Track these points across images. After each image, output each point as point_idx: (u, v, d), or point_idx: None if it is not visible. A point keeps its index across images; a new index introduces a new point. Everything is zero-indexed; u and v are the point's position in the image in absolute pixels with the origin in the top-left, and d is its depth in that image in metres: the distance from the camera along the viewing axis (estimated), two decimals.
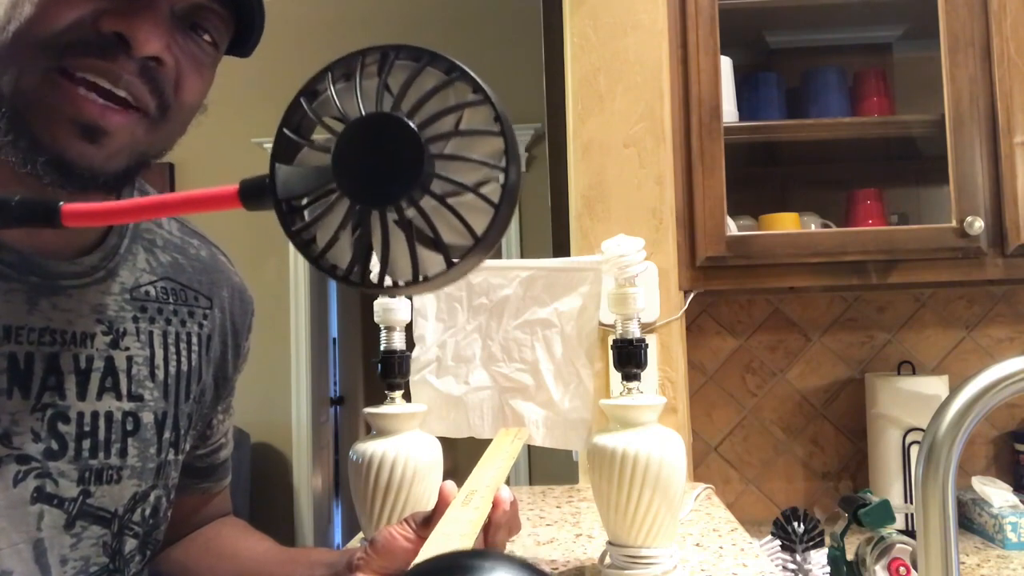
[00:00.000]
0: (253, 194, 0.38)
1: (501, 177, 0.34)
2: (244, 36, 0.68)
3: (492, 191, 0.35)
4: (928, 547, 0.64)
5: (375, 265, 0.37)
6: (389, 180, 0.35)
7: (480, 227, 0.35)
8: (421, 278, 0.36)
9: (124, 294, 0.70)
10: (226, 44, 0.67)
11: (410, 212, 0.35)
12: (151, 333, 0.72)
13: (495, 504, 0.71)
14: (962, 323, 1.66)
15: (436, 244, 0.35)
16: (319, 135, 0.38)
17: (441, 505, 0.73)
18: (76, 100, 0.57)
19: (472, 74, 0.36)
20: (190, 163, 3.71)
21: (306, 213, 0.38)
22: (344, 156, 0.35)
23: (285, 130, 0.37)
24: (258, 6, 0.65)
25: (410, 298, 0.83)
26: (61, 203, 0.43)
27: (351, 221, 0.36)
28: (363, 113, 0.36)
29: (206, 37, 0.64)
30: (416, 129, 0.35)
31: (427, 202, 0.35)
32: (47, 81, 0.57)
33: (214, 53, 0.66)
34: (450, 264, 0.36)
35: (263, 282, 3.55)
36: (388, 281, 0.36)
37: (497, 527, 0.73)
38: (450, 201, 0.35)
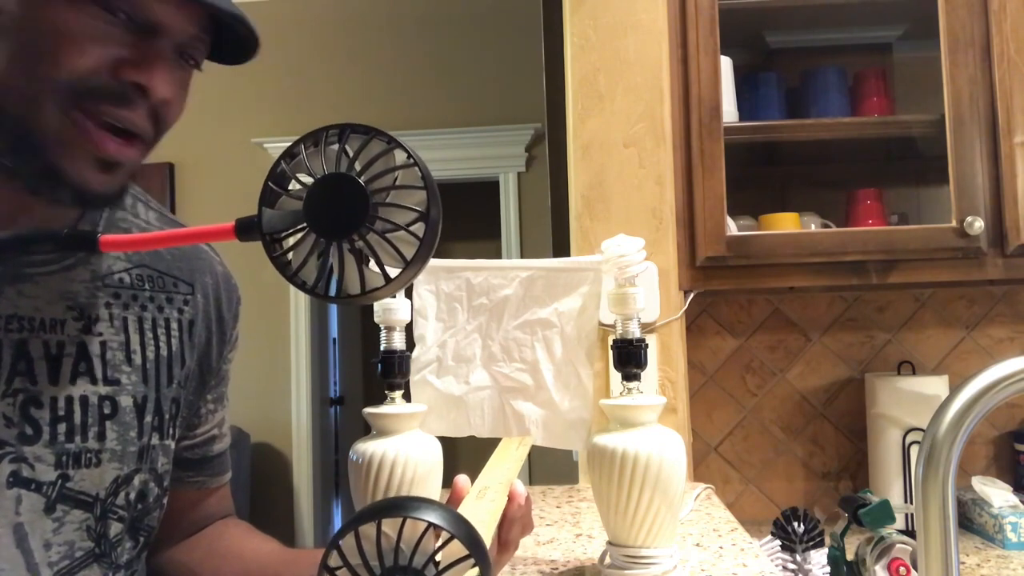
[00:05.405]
0: (245, 230, 0.50)
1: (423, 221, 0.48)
2: (232, 48, 0.70)
3: (419, 229, 0.47)
4: (928, 547, 0.64)
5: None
6: (344, 221, 0.47)
7: (409, 255, 0.47)
8: (367, 291, 0.48)
9: (96, 281, 0.71)
10: (204, 59, 0.70)
11: (359, 244, 0.47)
12: (125, 319, 0.73)
13: (510, 498, 0.71)
14: (962, 323, 1.66)
15: (377, 266, 0.48)
16: (295, 186, 0.51)
17: (455, 498, 0.73)
18: (97, 139, 0.61)
19: (405, 146, 0.48)
20: (190, 163, 3.72)
21: (284, 243, 0.50)
22: (312, 203, 0.47)
23: (270, 183, 0.50)
24: (251, 34, 0.68)
25: (409, 298, 0.83)
26: (100, 234, 0.53)
27: (317, 250, 0.48)
28: (326, 172, 0.48)
29: (191, 62, 0.68)
30: (364, 185, 0.47)
31: (372, 237, 0.47)
32: (68, 120, 0.60)
33: (193, 72, 0.70)
34: (387, 281, 0.48)
35: (263, 283, 3.53)
36: (344, 293, 0.49)
37: (512, 522, 0.73)
38: (389, 236, 0.47)
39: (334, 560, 0.44)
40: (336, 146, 0.49)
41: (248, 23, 0.66)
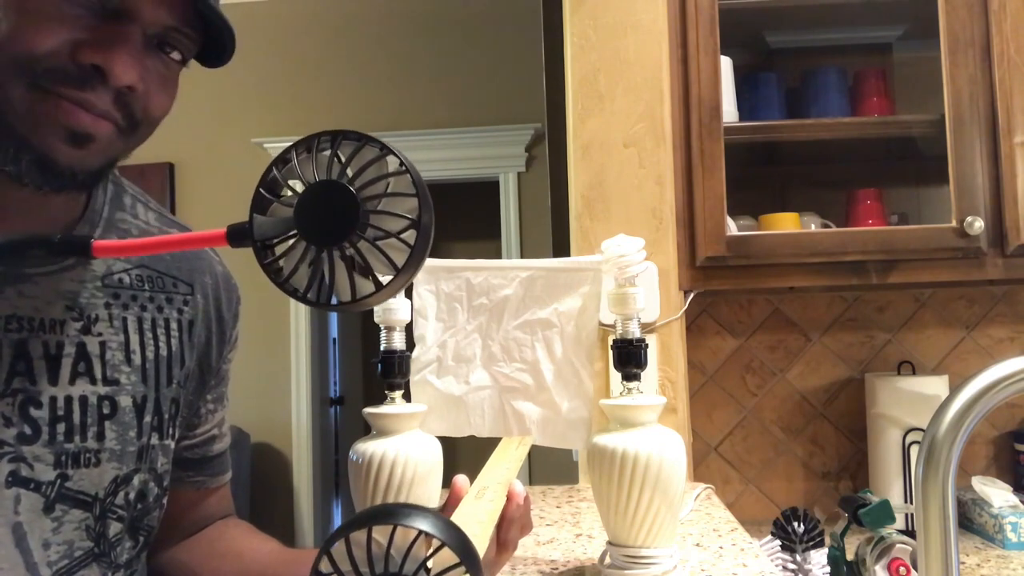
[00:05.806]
0: (236, 236, 0.50)
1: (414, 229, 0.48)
2: (216, 48, 0.69)
3: (410, 236, 0.47)
4: (928, 547, 0.64)
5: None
6: (335, 228, 0.47)
7: (400, 262, 0.47)
8: (358, 298, 0.48)
9: (95, 281, 0.71)
10: (192, 55, 0.69)
11: (350, 251, 0.47)
12: (125, 319, 0.73)
13: (509, 497, 0.71)
14: (962, 323, 1.66)
15: (368, 274, 0.48)
16: (287, 192, 0.51)
17: (454, 498, 0.73)
18: (66, 110, 0.60)
19: (397, 152, 0.47)
20: (190, 163, 3.71)
21: (276, 250, 0.50)
22: (303, 210, 0.48)
23: (261, 190, 0.50)
24: (226, 27, 0.67)
25: (409, 298, 0.83)
26: (93, 239, 0.53)
27: (308, 257, 0.48)
28: (317, 179, 0.48)
29: (174, 55, 0.66)
30: (355, 192, 0.47)
31: (363, 244, 0.47)
32: (33, 93, 0.59)
33: (179, 68, 0.68)
34: (378, 288, 0.48)
35: (264, 283, 3.48)
36: (334, 300, 0.48)
37: (510, 522, 0.73)
38: (380, 243, 0.47)
39: (325, 566, 0.44)
40: (328, 152, 0.49)
41: (225, 18, 0.65)
